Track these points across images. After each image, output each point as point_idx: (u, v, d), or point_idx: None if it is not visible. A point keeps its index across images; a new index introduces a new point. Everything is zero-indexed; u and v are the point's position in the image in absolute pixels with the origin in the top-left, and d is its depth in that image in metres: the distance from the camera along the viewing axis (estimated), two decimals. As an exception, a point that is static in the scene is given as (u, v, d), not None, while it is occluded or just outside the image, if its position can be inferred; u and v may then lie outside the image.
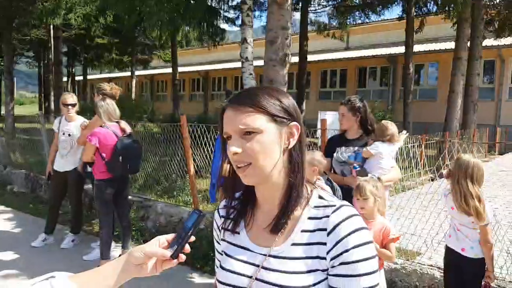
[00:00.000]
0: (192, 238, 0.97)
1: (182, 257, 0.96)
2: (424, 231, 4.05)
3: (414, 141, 5.79)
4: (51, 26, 19.56)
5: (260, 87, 1.07)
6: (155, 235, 1.02)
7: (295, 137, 1.01)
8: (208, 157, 5.41)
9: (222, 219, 1.14)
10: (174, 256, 0.95)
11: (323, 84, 22.66)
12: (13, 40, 19.52)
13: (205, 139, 5.25)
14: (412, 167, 6.07)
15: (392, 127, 3.19)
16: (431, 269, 3.41)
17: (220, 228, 1.14)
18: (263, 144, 0.96)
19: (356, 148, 3.20)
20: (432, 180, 6.12)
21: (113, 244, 4.48)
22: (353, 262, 0.92)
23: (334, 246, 0.93)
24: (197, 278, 4.06)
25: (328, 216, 0.97)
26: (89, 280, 0.91)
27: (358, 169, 3.01)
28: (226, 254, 1.08)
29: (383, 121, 3.31)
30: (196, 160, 5.66)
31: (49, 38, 21.56)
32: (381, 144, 3.11)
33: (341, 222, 0.95)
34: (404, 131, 3.43)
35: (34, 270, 4.10)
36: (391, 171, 3.18)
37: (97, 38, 23.60)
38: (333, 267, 0.93)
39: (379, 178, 2.82)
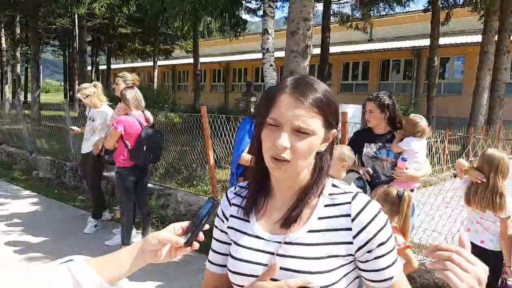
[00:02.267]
0: (206, 227, 0.97)
1: (196, 245, 0.97)
2: (445, 228, 4.00)
3: (438, 136, 5.69)
4: (76, 15, 19.87)
5: (321, 82, 1.01)
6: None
7: (329, 142, 1.03)
8: (227, 148, 5.45)
9: (233, 207, 1.12)
10: (188, 243, 0.96)
11: (344, 77, 22.40)
12: (39, 29, 19.93)
13: (225, 130, 5.28)
14: (435, 163, 5.98)
15: (422, 121, 3.10)
16: (451, 266, 3.37)
17: (227, 216, 1.12)
18: (311, 146, 0.96)
19: (387, 144, 3.13)
20: (455, 176, 6.01)
21: (134, 230, 4.58)
22: (383, 243, 0.97)
23: (361, 231, 0.97)
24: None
25: (349, 203, 0.99)
26: (105, 264, 0.93)
27: (407, 160, 2.96)
28: (236, 244, 1.07)
29: (412, 116, 3.18)
30: (216, 151, 5.70)
31: (74, 27, 21.91)
32: (412, 141, 3.03)
33: (363, 208, 0.98)
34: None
35: (57, 254, 4.21)
36: (424, 165, 3.13)
37: (120, 28, 23.83)
38: (370, 251, 0.97)
39: (401, 194, 2.49)
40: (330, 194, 1.02)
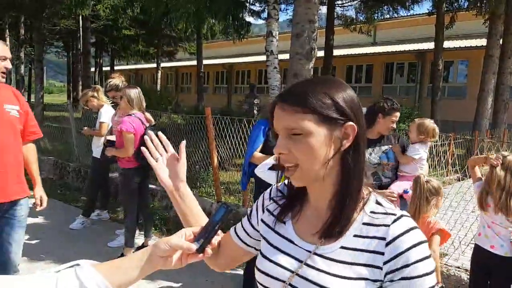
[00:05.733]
0: (219, 233, 0.94)
1: (208, 252, 0.94)
2: (452, 232, 3.96)
3: (444, 139, 5.66)
4: (80, 17, 19.93)
5: (313, 80, 0.98)
6: (178, 225, 1.02)
7: (350, 138, 0.93)
8: (231, 149, 5.42)
9: (272, 202, 1.11)
10: (200, 250, 0.93)
11: (348, 80, 22.31)
12: (43, 30, 19.99)
13: (229, 131, 5.26)
14: (442, 166, 5.94)
15: (432, 125, 3.16)
16: (458, 271, 3.33)
17: (265, 209, 1.11)
18: (311, 147, 0.91)
19: (384, 147, 3.15)
20: (461, 179, 5.98)
21: (137, 231, 4.55)
22: (414, 277, 0.87)
23: (393, 258, 0.88)
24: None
25: (387, 226, 0.91)
26: (113, 269, 0.91)
27: (409, 193, 2.91)
28: (269, 243, 1.04)
29: (422, 120, 3.22)
30: (220, 152, 5.67)
31: (78, 28, 21.97)
32: (420, 147, 3.07)
33: (402, 234, 0.90)
34: None
35: (60, 255, 4.20)
36: (424, 167, 3.18)
37: (124, 30, 23.92)
38: (392, 281, 0.88)
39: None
40: (371, 212, 0.95)
